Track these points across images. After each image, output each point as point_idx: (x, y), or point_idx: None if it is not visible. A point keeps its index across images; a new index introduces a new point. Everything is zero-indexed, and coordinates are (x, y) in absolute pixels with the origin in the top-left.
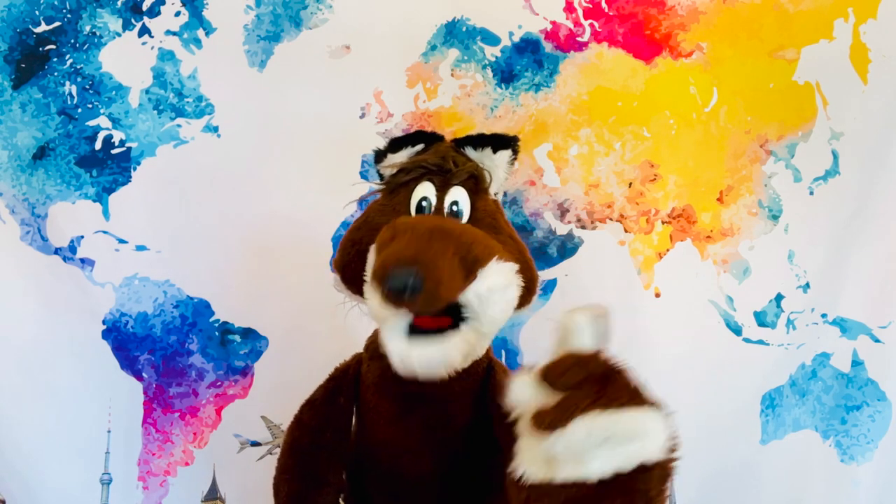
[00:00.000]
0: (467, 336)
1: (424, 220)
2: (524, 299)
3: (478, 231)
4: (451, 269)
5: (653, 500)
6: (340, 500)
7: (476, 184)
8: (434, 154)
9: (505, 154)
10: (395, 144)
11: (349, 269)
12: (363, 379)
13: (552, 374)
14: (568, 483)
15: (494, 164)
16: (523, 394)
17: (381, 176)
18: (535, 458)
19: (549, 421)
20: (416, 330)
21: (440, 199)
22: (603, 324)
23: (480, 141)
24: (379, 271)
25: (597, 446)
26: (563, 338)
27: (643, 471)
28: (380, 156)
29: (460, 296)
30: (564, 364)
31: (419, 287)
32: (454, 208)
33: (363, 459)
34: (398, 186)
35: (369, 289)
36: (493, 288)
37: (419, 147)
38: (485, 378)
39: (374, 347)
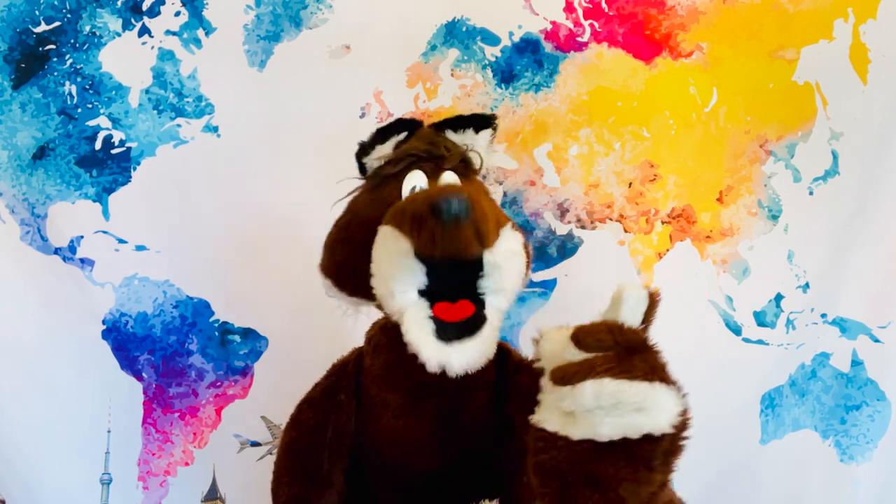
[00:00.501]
0: (495, 323)
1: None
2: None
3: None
4: (484, 213)
5: (654, 469)
6: None
7: (467, 167)
8: (421, 141)
9: (486, 133)
10: (382, 135)
11: (342, 270)
12: (365, 373)
13: (582, 335)
14: (578, 439)
15: (477, 144)
16: (552, 348)
17: (363, 170)
18: (551, 410)
19: (563, 376)
20: (442, 325)
21: (432, 185)
22: (650, 304)
23: (460, 122)
24: (425, 202)
25: (605, 411)
26: (609, 308)
27: (650, 440)
28: (365, 149)
29: (488, 252)
30: (596, 329)
31: (469, 211)
32: None
33: (366, 457)
34: (386, 178)
35: (392, 238)
36: (513, 251)
37: (402, 136)
38: (500, 361)
39: (376, 340)
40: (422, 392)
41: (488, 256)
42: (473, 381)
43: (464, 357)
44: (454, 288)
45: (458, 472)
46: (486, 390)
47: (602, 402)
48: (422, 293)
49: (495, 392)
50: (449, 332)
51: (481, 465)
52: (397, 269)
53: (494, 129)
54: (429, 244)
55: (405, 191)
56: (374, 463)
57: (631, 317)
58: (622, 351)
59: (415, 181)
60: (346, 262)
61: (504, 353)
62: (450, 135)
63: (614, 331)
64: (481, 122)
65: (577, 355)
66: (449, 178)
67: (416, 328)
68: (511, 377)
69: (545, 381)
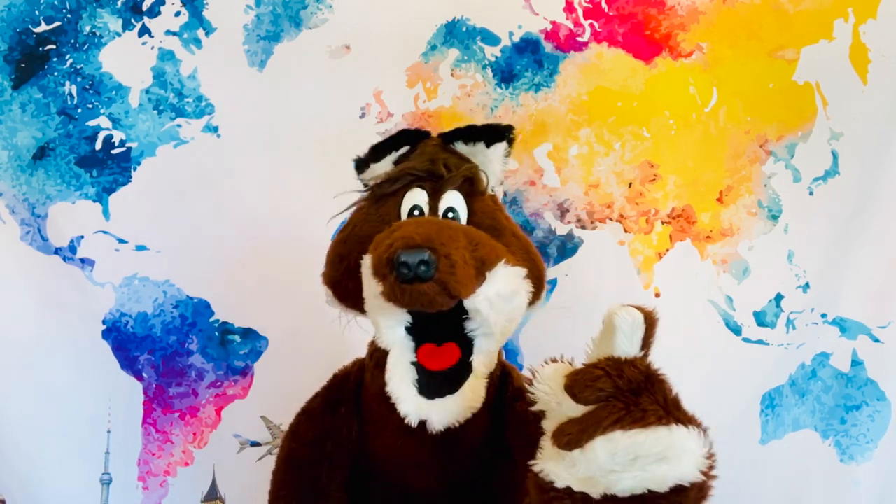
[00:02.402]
0: (482, 370)
1: (425, 217)
2: (534, 297)
3: (481, 233)
4: (464, 257)
5: None
6: None
7: (472, 185)
8: (421, 157)
9: (500, 147)
10: (377, 152)
11: (340, 287)
12: (366, 387)
13: (578, 387)
14: (595, 497)
15: (489, 158)
16: (547, 391)
17: (366, 185)
18: (558, 465)
19: (567, 440)
20: (424, 376)
21: (433, 206)
22: (647, 326)
23: (472, 134)
24: (386, 252)
25: (624, 468)
26: (602, 337)
27: (677, 491)
28: (361, 165)
29: (471, 296)
30: (591, 376)
31: (432, 268)
32: (450, 215)
33: (364, 471)
34: (385, 195)
35: (371, 286)
36: (501, 294)
37: (404, 149)
38: (500, 385)
39: (378, 356)
40: None
41: (469, 303)
42: None
43: (444, 414)
44: (440, 328)
45: (454, 492)
46: (484, 413)
47: (618, 460)
48: (409, 329)
49: (494, 415)
50: (431, 385)
51: (478, 487)
52: (381, 304)
53: (510, 142)
54: (391, 296)
55: (404, 210)
56: (372, 478)
57: (628, 346)
58: (626, 395)
59: (415, 200)
60: (343, 280)
61: (505, 376)
62: (460, 146)
63: (612, 373)
64: (493, 135)
65: (575, 408)
66: (451, 198)
67: (398, 377)
68: (510, 403)
69: (547, 431)
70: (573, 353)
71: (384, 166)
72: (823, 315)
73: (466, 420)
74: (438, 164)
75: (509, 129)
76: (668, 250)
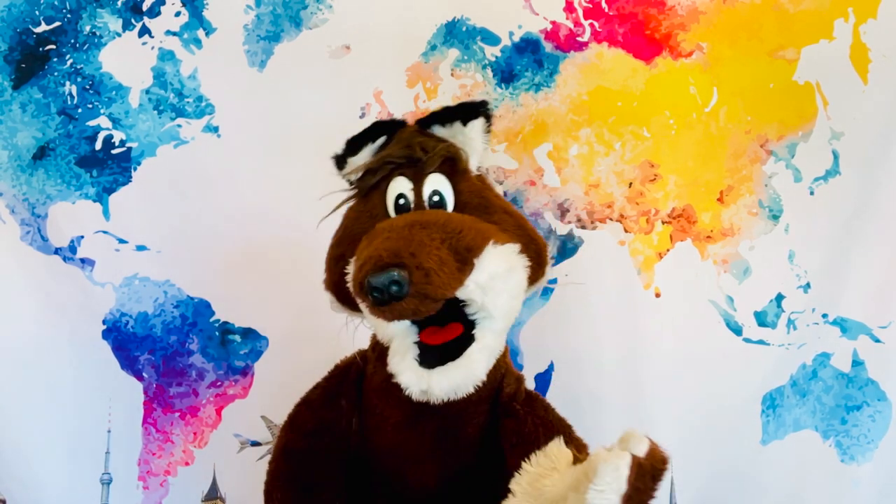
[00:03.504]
0: (486, 342)
1: (402, 216)
2: (535, 273)
3: (465, 217)
4: (439, 258)
5: None
6: None
7: (453, 165)
8: (398, 144)
9: (477, 123)
10: (354, 145)
11: (340, 289)
12: (368, 381)
13: None
14: None
15: (468, 137)
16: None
17: (350, 182)
18: None
19: None
20: (427, 350)
21: (418, 192)
22: (647, 478)
23: (447, 115)
24: (358, 277)
25: None
26: (579, 474)
27: None
28: (340, 161)
29: (459, 290)
30: None
31: (405, 285)
32: (435, 199)
33: (363, 464)
34: (369, 189)
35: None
36: (494, 275)
37: (381, 140)
38: (498, 385)
39: (381, 347)
40: (424, 409)
41: (461, 294)
42: (474, 401)
43: (446, 382)
44: (444, 313)
45: (452, 489)
46: (485, 411)
47: None
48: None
49: (492, 413)
50: (431, 356)
51: (476, 484)
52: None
53: (487, 117)
54: (375, 312)
55: (390, 201)
56: (370, 472)
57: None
58: None
59: (399, 189)
60: (342, 281)
61: (502, 379)
62: (438, 130)
63: None
64: (468, 112)
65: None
66: (434, 181)
67: (398, 356)
68: (501, 414)
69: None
70: (572, 353)
71: (362, 159)
72: (824, 315)
73: (466, 417)
74: (415, 147)
75: (483, 104)
76: (668, 250)
